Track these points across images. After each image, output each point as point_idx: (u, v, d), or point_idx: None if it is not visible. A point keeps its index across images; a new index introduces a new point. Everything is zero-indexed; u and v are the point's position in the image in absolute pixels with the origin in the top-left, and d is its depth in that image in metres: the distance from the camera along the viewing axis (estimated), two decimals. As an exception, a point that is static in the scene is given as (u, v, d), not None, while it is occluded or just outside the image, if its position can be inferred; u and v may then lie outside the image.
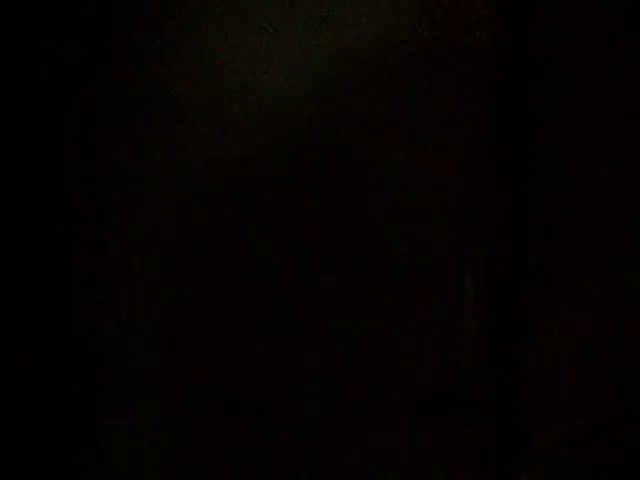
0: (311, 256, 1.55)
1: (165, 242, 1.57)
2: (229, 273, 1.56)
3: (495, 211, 1.50)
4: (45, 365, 1.59)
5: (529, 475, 1.53)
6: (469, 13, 1.47)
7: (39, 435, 1.60)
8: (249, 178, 1.54)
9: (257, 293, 1.56)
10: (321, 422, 1.57)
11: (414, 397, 1.54)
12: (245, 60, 1.51)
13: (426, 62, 1.50)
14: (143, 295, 1.58)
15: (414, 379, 1.54)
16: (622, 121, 1.45)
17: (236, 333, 1.57)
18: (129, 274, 1.57)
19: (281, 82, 1.51)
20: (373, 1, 1.48)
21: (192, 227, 1.56)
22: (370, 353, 1.55)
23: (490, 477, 1.52)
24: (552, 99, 1.47)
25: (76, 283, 1.58)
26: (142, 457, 1.62)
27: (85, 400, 1.60)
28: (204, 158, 1.54)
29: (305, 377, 1.57)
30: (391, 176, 1.52)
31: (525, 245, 1.51)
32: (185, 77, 1.52)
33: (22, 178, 1.53)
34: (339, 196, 1.53)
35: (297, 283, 1.55)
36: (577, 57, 1.46)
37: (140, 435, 1.62)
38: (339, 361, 1.56)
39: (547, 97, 1.47)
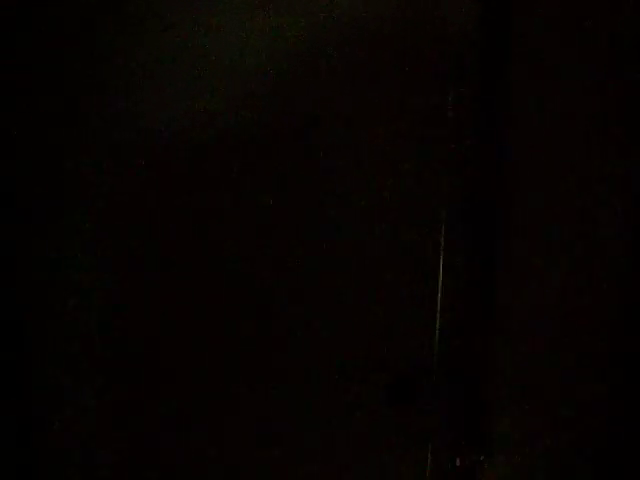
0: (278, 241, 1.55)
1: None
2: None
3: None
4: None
5: (492, 461, 1.53)
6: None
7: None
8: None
9: (218, 282, 1.56)
10: (289, 404, 1.57)
11: (383, 382, 1.53)
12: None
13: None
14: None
15: (384, 364, 1.54)
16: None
17: (197, 321, 1.57)
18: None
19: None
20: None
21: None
22: (339, 338, 1.55)
23: (452, 462, 1.52)
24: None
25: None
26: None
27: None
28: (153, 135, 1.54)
29: (275, 361, 1.57)
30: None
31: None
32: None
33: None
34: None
35: (265, 269, 1.55)
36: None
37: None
38: (309, 345, 1.56)
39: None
